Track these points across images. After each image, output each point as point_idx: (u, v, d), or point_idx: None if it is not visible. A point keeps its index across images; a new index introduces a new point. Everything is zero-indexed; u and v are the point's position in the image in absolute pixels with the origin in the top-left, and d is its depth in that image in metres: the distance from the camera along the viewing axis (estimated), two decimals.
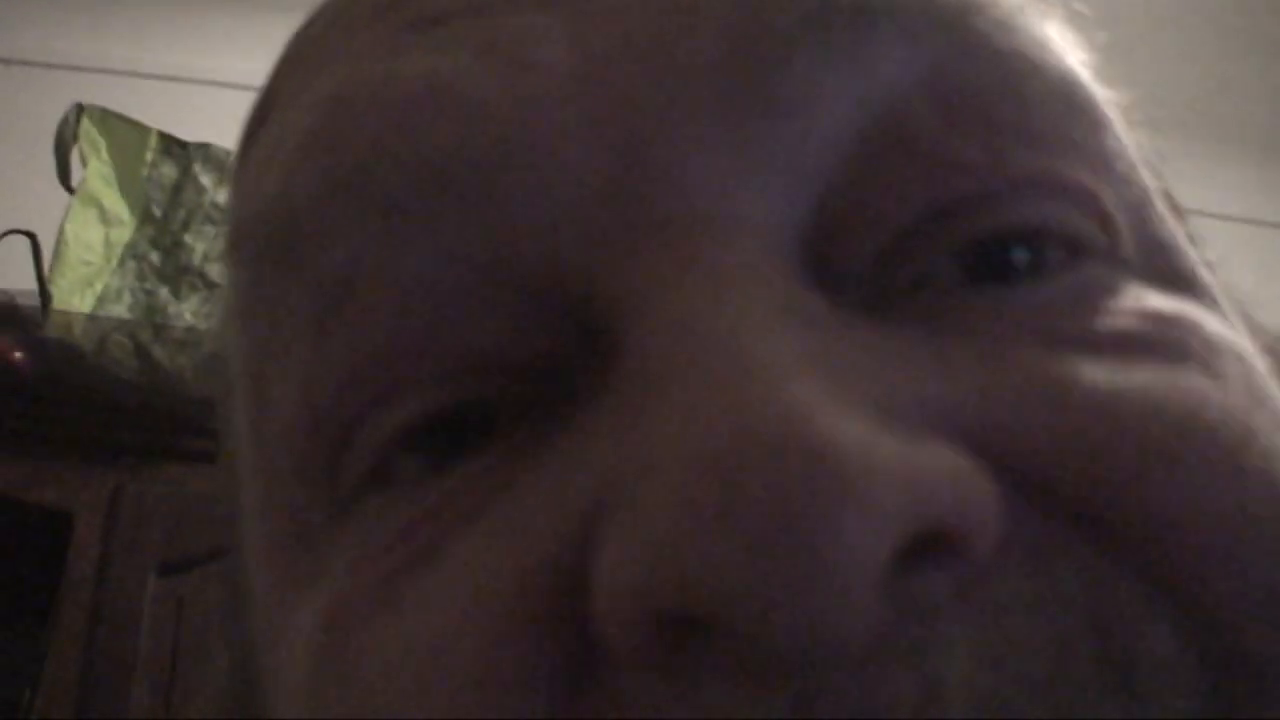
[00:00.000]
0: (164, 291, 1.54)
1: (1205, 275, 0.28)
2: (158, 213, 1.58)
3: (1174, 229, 0.28)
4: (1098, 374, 0.23)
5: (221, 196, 1.59)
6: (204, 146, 1.61)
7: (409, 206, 0.25)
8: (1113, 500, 0.21)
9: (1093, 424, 0.22)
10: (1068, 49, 0.28)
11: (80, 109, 1.59)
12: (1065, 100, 0.26)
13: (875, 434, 0.19)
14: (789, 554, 0.18)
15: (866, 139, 0.25)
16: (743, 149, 0.24)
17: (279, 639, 0.27)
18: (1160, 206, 0.28)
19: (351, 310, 0.25)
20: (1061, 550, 0.21)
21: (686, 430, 0.19)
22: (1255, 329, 0.29)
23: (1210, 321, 0.25)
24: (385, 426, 0.25)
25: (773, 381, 0.19)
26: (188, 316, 1.51)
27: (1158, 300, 0.25)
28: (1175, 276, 0.27)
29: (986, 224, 0.25)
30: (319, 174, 0.26)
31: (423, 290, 0.25)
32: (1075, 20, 0.30)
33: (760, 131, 0.24)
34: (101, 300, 1.50)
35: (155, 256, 1.56)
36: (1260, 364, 0.26)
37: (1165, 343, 0.24)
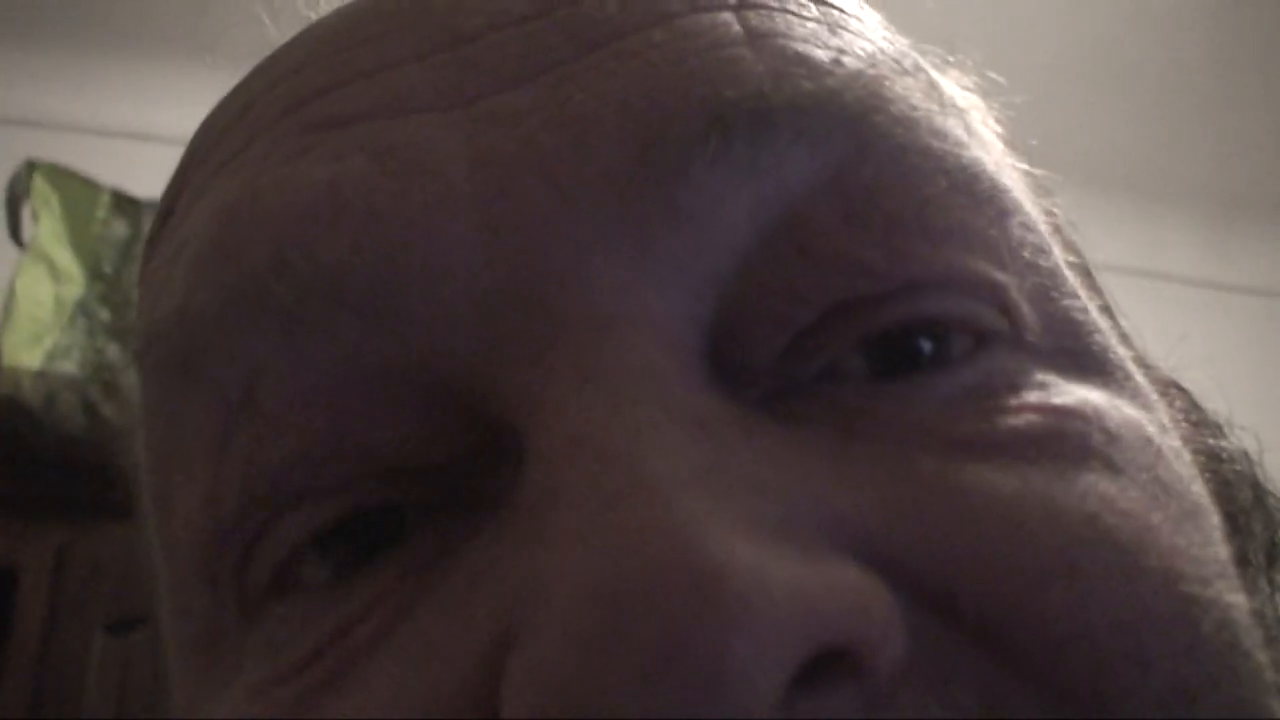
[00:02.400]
0: (114, 349, 1.53)
1: (1117, 351, 0.28)
2: (109, 270, 1.57)
3: (1086, 306, 0.28)
4: (997, 482, 0.23)
5: None
6: (156, 204, 1.60)
7: (307, 317, 0.24)
8: (1012, 615, 0.21)
9: (992, 537, 0.22)
10: (972, 135, 0.28)
11: (32, 165, 1.58)
12: (968, 192, 0.26)
13: (769, 555, 0.19)
14: (679, 684, 0.18)
15: (767, 241, 0.25)
16: (642, 252, 0.24)
17: None
18: (1071, 285, 0.28)
19: (252, 423, 0.25)
20: (964, 668, 0.21)
21: (575, 557, 0.19)
22: (1173, 396, 0.29)
23: (1115, 407, 0.26)
24: (290, 534, 0.25)
25: (665, 501, 0.19)
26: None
27: (1062, 390, 0.25)
28: (1085, 357, 0.27)
29: (889, 319, 0.25)
30: (217, 286, 0.25)
31: (324, 400, 0.24)
32: (987, 89, 0.31)
33: (660, 236, 0.24)
34: (51, 357, 1.49)
35: (106, 314, 1.55)
36: (1170, 441, 0.26)
37: (1066, 439, 0.24)
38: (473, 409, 0.24)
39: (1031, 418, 0.24)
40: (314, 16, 0.31)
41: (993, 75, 0.32)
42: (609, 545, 0.19)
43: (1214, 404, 0.31)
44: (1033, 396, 0.25)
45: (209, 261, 0.26)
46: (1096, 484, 0.23)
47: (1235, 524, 0.27)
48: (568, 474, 0.21)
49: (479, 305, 0.24)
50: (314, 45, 0.29)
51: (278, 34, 0.31)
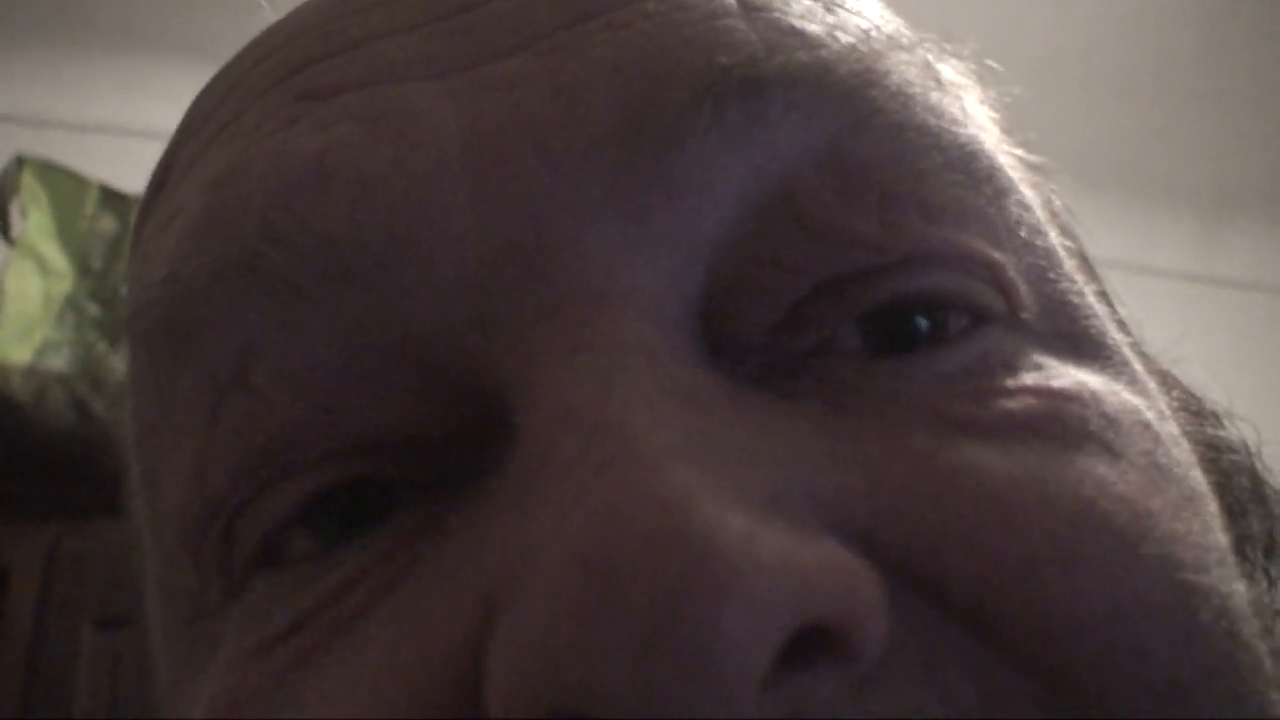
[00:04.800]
0: (103, 344, 1.52)
1: (1114, 336, 0.28)
2: (98, 265, 1.56)
3: (1083, 290, 0.28)
4: (990, 463, 0.22)
5: None
6: None
7: (301, 289, 0.24)
8: (1004, 601, 0.21)
9: (983, 520, 0.22)
10: (969, 115, 0.28)
11: (20, 161, 1.58)
12: (964, 170, 0.26)
13: (759, 526, 0.19)
14: (669, 653, 0.18)
15: (760, 213, 0.24)
16: (634, 224, 0.24)
17: (181, 713, 0.26)
18: (1068, 267, 0.28)
19: (243, 395, 0.25)
20: (953, 653, 0.21)
21: (566, 525, 0.19)
22: (1170, 386, 0.29)
23: (1113, 391, 0.25)
24: (277, 506, 0.25)
25: (656, 471, 0.19)
26: (126, 370, 1.50)
27: (1059, 372, 0.25)
28: (1082, 340, 0.27)
29: (884, 294, 0.25)
30: (208, 257, 0.25)
31: (316, 375, 0.24)
32: (984, 76, 0.31)
33: (652, 207, 0.24)
34: (40, 353, 1.48)
35: (95, 309, 1.54)
36: (1169, 429, 0.26)
37: (1063, 421, 0.24)
38: (464, 385, 0.24)
39: (1028, 400, 0.24)
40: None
41: (986, 66, 0.31)
42: (600, 513, 0.19)
43: (1211, 395, 0.31)
44: (1029, 378, 0.24)
45: (200, 230, 0.25)
46: (1094, 468, 0.23)
47: (1233, 515, 0.27)
48: (558, 444, 0.21)
49: (472, 276, 0.24)
50: (305, 17, 0.29)
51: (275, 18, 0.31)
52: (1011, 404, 0.24)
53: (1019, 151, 0.30)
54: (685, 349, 0.23)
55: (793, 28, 0.26)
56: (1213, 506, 0.25)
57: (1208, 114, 2.44)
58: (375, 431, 0.24)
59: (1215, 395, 0.31)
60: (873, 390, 0.24)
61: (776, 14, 0.26)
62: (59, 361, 1.48)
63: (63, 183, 1.59)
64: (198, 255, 0.25)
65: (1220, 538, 0.25)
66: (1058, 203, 0.31)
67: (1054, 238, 0.29)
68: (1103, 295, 0.29)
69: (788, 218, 0.24)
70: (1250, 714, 0.22)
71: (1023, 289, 0.26)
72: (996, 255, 0.26)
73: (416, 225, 0.24)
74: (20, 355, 1.47)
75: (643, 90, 0.24)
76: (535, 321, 0.23)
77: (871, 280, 0.25)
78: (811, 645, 0.19)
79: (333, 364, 0.24)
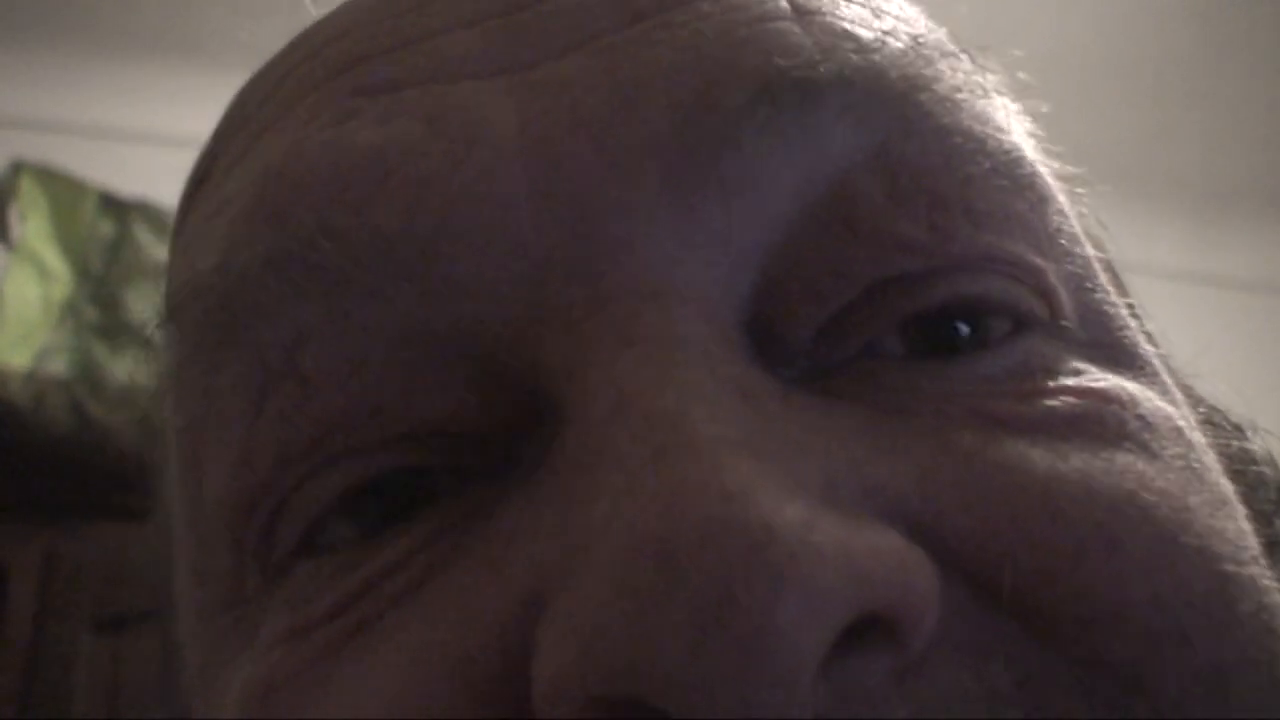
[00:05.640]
0: (102, 349, 1.52)
1: (1146, 348, 0.28)
2: (97, 270, 1.57)
3: (1116, 302, 0.28)
4: (1035, 458, 0.23)
5: (161, 254, 1.58)
6: (143, 204, 1.60)
7: (355, 281, 0.24)
8: (1049, 589, 0.21)
9: (1029, 512, 0.22)
10: (1012, 123, 0.29)
11: (19, 166, 1.58)
12: (1009, 176, 0.27)
13: (816, 516, 0.19)
14: (728, 640, 0.18)
15: (811, 215, 0.25)
16: (688, 224, 0.24)
17: (213, 704, 0.26)
18: (1103, 280, 0.28)
19: (292, 385, 0.25)
20: (998, 641, 0.21)
21: (624, 511, 0.19)
22: (1194, 400, 0.29)
23: (1149, 398, 0.26)
24: (321, 494, 0.25)
25: (713, 461, 0.19)
26: (126, 374, 1.50)
27: (1097, 376, 0.25)
28: (1117, 349, 0.27)
29: (930, 299, 0.25)
30: (262, 247, 0.25)
31: (368, 363, 0.24)
32: (1019, 91, 0.31)
33: (706, 207, 0.24)
34: (39, 357, 1.48)
35: (94, 314, 1.55)
36: (1198, 437, 0.26)
37: (1103, 421, 0.24)
38: (512, 377, 0.24)
39: (1069, 399, 0.24)
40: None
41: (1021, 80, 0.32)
42: (658, 500, 0.19)
43: (1233, 405, 0.31)
44: (1070, 380, 0.25)
45: (253, 221, 0.26)
46: (1134, 464, 0.23)
47: (1260, 523, 0.27)
48: (612, 433, 0.21)
49: (526, 272, 0.24)
50: (356, 14, 0.29)
51: (316, 14, 0.31)
52: (1053, 403, 0.24)
53: (1054, 164, 0.31)
54: (735, 348, 0.23)
55: (846, 31, 0.26)
56: (1243, 512, 0.26)
57: (1207, 112, 2.44)
58: (422, 422, 0.24)
59: (1227, 400, 0.31)
60: (916, 391, 0.24)
61: (829, 18, 0.26)
62: (58, 366, 1.49)
63: (62, 187, 1.59)
64: (250, 245, 0.25)
65: (1253, 540, 0.25)
66: (1089, 218, 0.32)
67: (1090, 248, 0.29)
68: (1132, 309, 0.30)
69: (838, 220, 0.25)
70: None
71: (1063, 296, 0.26)
72: (1039, 261, 0.26)
73: (473, 221, 0.24)
74: (19, 360, 1.47)
75: (699, 90, 0.25)
76: (588, 315, 0.23)
77: (916, 286, 0.25)
78: (863, 631, 0.19)
79: (382, 355, 0.24)
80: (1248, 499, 0.27)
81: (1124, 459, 0.23)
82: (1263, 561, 0.24)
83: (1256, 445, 0.31)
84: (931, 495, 0.22)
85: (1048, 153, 0.31)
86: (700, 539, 0.18)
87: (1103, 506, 0.22)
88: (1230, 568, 0.23)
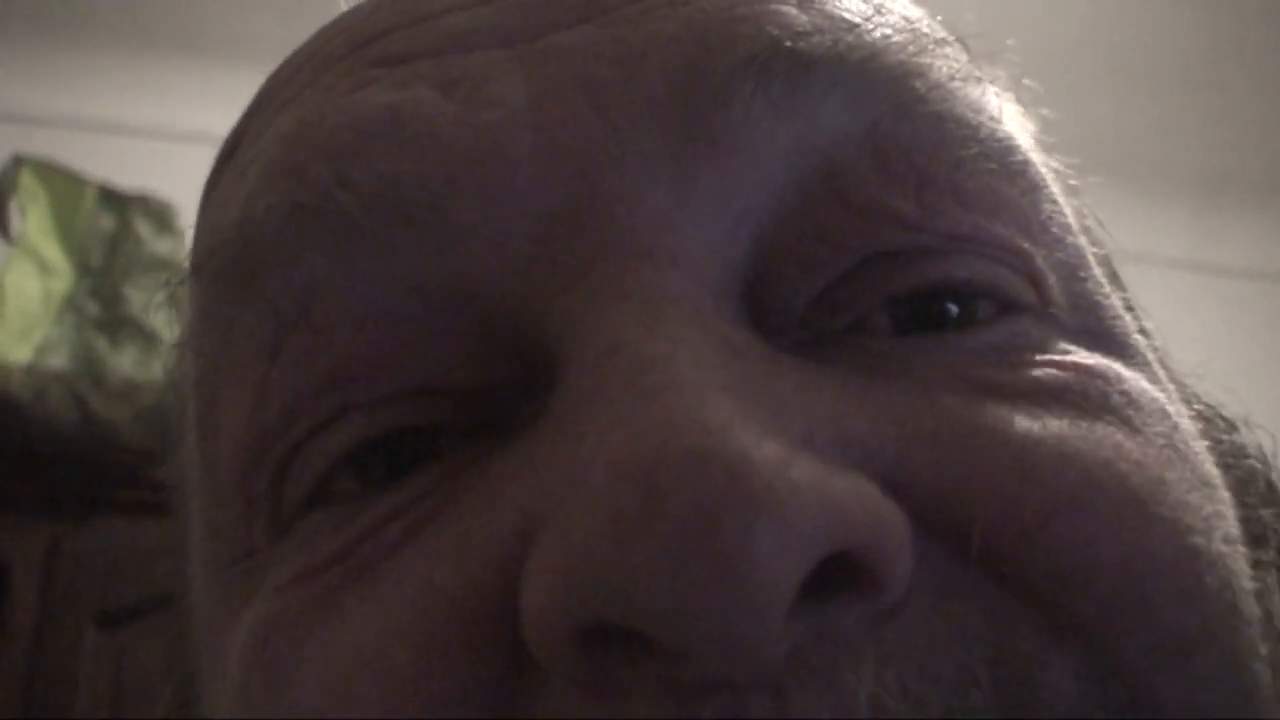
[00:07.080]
0: (102, 343, 1.53)
1: (1139, 339, 0.29)
2: (97, 264, 1.57)
3: (1110, 294, 0.29)
4: (1015, 421, 0.23)
5: (160, 248, 1.59)
6: (143, 198, 1.60)
7: (366, 231, 0.25)
8: (1020, 546, 0.22)
9: (1005, 471, 0.22)
10: (1005, 113, 0.29)
11: (19, 160, 1.58)
12: (999, 162, 0.27)
13: (795, 454, 0.20)
14: (705, 566, 0.18)
15: (803, 185, 0.26)
16: (683, 182, 0.25)
17: (217, 658, 0.27)
18: (1097, 271, 0.29)
19: (305, 333, 0.26)
20: (968, 591, 0.22)
21: (609, 444, 0.20)
22: (1189, 396, 0.30)
23: (1135, 378, 0.26)
24: (330, 446, 0.26)
25: (697, 398, 0.20)
26: (126, 368, 1.50)
27: (1085, 355, 0.26)
28: (1107, 338, 0.27)
29: (918, 277, 0.26)
30: (279, 199, 0.26)
31: (376, 315, 0.26)
32: (1016, 81, 0.32)
33: (700, 169, 0.25)
34: (40, 351, 1.49)
35: (94, 308, 1.55)
36: (1187, 424, 0.27)
37: (1086, 394, 0.25)
38: (513, 331, 0.25)
39: (1054, 371, 0.25)
40: (343, 5, 0.32)
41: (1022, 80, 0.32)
42: (641, 433, 0.20)
43: (1228, 400, 0.31)
44: (1055, 354, 0.26)
45: (273, 176, 0.27)
46: (1112, 434, 0.24)
47: (1248, 513, 0.27)
48: (603, 378, 0.22)
49: (528, 225, 0.25)
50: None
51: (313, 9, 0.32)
52: (1038, 374, 0.25)
53: (1051, 156, 0.31)
54: (727, 309, 0.24)
55: (844, 17, 0.27)
56: (1225, 495, 0.26)
57: (1205, 101, 2.44)
58: (427, 376, 0.25)
59: (1221, 396, 0.31)
60: (903, 359, 0.25)
61: (829, 5, 0.27)
62: (58, 360, 1.49)
63: (61, 182, 1.59)
64: (268, 198, 0.27)
65: (1231, 523, 0.25)
66: (1087, 215, 0.32)
67: (1084, 239, 0.30)
68: (1128, 304, 0.30)
69: (829, 192, 0.26)
70: (1245, 685, 0.23)
71: (1052, 281, 0.27)
72: (1028, 246, 0.27)
73: (480, 174, 0.25)
74: (20, 354, 1.47)
75: (696, 57, 0.26)
76: (585, 270, 0.24)
77: (907, 261, 0.26)
78: (836, 577, 0.20)
79: (390, 305, 0.26)
80: (1238, 491, 0.27)
81: (1103, 429, 0.24)
82: (1237, 543, 0.25)
83: (1250, 440, 0.31)
84: (908, 452, 0.23)
85: (1044, 145, 0.31)
86: (679, 468, 0.19)
87: (1075, 469, 0.23)
88: (1200, 541, 0.23)
